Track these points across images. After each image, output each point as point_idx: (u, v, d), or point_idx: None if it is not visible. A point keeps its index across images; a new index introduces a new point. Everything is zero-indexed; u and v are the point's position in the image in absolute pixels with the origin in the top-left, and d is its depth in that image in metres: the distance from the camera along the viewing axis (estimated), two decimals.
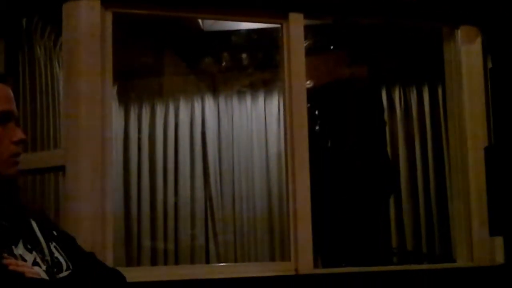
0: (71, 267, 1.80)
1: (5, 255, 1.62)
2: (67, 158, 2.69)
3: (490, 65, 3.28)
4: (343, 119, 3.79)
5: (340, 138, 3.77)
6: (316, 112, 3.81)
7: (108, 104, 2.80)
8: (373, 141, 3.79)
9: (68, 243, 1.93)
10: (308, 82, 3.80)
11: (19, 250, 1.69)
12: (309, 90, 3.78)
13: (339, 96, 3.81)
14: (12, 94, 1.84)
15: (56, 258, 1.80)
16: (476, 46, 3.31)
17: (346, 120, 3.78)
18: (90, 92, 2.73)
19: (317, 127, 3.79)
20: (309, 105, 3.77)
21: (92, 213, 2.66)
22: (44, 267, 1.73)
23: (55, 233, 1.91)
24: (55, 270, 1.76)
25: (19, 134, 1.82)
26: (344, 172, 3.70)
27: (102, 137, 2.74)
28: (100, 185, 2.70)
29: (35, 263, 1.71)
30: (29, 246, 1.73)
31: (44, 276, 1.69)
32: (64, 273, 1.77)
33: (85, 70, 2.74)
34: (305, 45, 3.83)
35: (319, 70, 3.86)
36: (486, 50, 3.28)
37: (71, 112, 2.73)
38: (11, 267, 1.60)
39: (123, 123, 5.29)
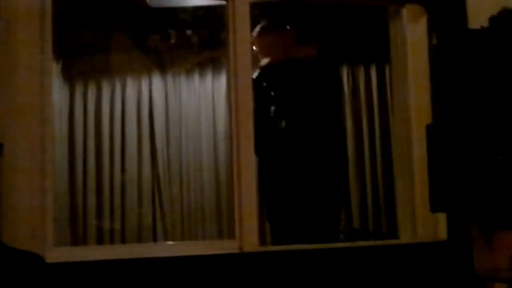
0: None
1: None
2: (4, 135, 2.62)
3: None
4: (295, 99, 3.79)
5: (294, 119, 3.76)
6: (272, 93, 3.80)
7: (47, 80, 2.73)
8: (327, 124, 3.80)
9: None
10: (264, 60, 3.81)
11: None
12: (264, 68, 3.80)
13: (291, 75, 3.81)
14: None
15: None
16: (421, 25, 3.32)
17: (299, 100, 3.78)
18: (28, 67, 2.66)
19: (272, 107, 3.78)
20: (265, 84, 3.78)
21: (30, 191, 2.60)
22: None
23: None
24: None
25: None
26: (298, 152, 3.71)
27: (41, 114, 2.67)
28: (40, 162, 2.64)
29: None
30: None
31: None
32: None
33: (23, 47, 2.67)
34: (262, 25, 3.85)
35: (273, 48, 3.85)
36: (431, 29, 3.30)
37: (9, 88, 2.66)
38: None
39: (68, 100, 5.20)
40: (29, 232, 2.56)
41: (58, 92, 4.84)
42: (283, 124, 3.76)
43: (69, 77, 5.23)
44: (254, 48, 3.82)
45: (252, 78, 3.25)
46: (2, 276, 1.74)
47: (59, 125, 4.93)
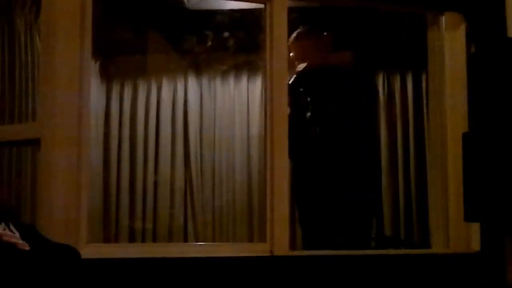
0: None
1: None
2: (42, 132, 2.67)
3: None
4: (331, 106, 3.79)
5: (330, 125, 3.76)
6: (308, 99, 3.81)
7: (86, 79, 2.77)
8: (361, 131, 3.80)
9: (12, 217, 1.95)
10: (300, 66, 3.81)
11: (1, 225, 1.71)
12: (300, 73, 3.80)
13: (327, 82, 3.80)
14: None
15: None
16: (460, 33, 3.30)
17: (334, 106, 3.78)
18: (67, 67, 2.70)
19: (308, 113, 3.78)
20: (301, 89, 3.79)
21: (66, 188, 2.64)
22: None
23: None
24: None
25: None
26: (331, 158, 3.71)
27: (79, 111, 2.71)
28: (76, 160, 2.68)
29: None
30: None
31: None
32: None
33: (63, 44, 2.71)
34: (298, 30, 3.85)
35: (309, 54, 3.86)
36: (470, 37, 3.28)
37: (48, 85, 2.70)
38: (4, 238, 1.64)
39: (104, 100, 5.25)
40: (64, 228, 2.59)
41: (94, 92, 4.89)
42: (318, 130, 3.76)
43: (106, 76, 5.27)
44: (291, 54, 3.82)
45: (288, 83, 3.26)
46: (42, 266, 1.77)
47: (95, 124, 4.98)
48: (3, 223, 1.84)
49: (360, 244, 3.65)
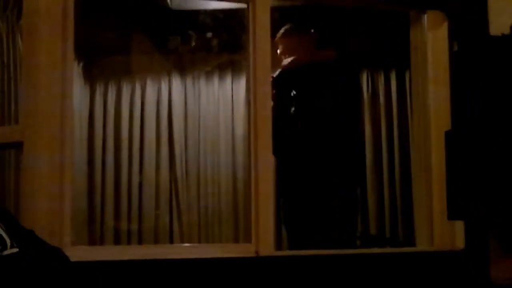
0: (15, 244, 1.78)
1: None
2: (24, 134, 2.64)
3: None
4: (314, 101, 3.80)
5: (313, 121, 3.77)
6: (292, 94, 3.81)
7: (69, 80, 2.74)
8: (344, 128, 3.80)
9: (8, 220, 1.91)
10: (286, 60, 3.82)
11: None
12: (285, 68, 3.81)
13: (311, 78, 3.81)
14: None
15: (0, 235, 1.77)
16: (443, 31, 3.31)
17: (317, 102, 3.79)
18: (49, 68, 2.67)
19: (292, 109, 3.79)
20: (286, 85, 3.79)
21: (49, 190, 2.62)
22: None
23: None
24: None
25: None
26: (314, 155, 3.71)
27: (62, 114, 2.68)
28: (59, 162, 2.66)
29: None
30: None
31: None
32: (10, 250, 1.75)
33: (45, 45, 2.68)
34: (286, 27, 3.87)
35: (295, 50, 3.87)
36: (452, 36, 3.29)
37: (30, 88, 2.68)
38: None
39: (88, 101, 5.23)
40: (48, 230, 2.57)
41: (78, 93, 4.87)
42: (301, 125, 3.77)
43: (89, 78, 5.26)
44: (278, 50, 3.84)
45: (273, 77, 3.24)
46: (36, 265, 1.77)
47: (78, 125, 4.96)
48: None
49: (346, 243, 3.65)
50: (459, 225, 3.17)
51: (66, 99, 2.72)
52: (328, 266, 3.00)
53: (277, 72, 3.78)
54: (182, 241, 5.14)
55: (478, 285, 3.05)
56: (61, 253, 1.98)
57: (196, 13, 4.74)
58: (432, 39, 3.33)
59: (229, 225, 5.23)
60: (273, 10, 3.13)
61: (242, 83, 5.32)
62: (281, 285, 2.89)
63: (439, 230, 3.23)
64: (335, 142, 3.72)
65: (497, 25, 3.08)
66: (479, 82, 2.59)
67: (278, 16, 3.78)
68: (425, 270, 3.09)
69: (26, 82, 2.72)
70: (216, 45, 5.22)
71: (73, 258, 2.30)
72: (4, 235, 1.78)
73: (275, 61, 3.31)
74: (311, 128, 3.76)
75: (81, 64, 5.09)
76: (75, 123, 3.02)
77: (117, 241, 5.10)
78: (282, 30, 3.87)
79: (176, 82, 5.37)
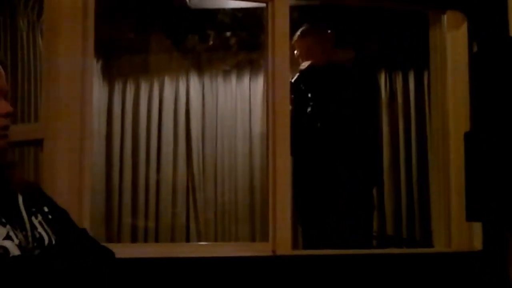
0: (54, 242, 1.78)
1: None
2: (45, 132, 2.67)
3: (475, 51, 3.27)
4: (332, 102, 3.79)
5: (331, 121, 3.77)
6: (309, 95, 3.81)
7: (88, 79, 2.77)
8: (362, 128, 3.80)
9: (60, 219, 1.92)
10: (303, 64, 3.82)
11: None
12: (303, 71, 3.81)
13: (329, 78, 3.81)
14: (2, 70, 1.85)
15: (39, 233, 1.78)
16: (462, 32, 3.30)
17: (336, 102, 3.78)
18: (70, 67, 2.70)
19: (309, 109, 3.79)
20: (303, 87, 3.79)
21: (69, 188, 2.64)
22: (17, 242, 1.70)
23: (46, 208, 1.89)
24: (34, 245, 1.73)
25: (6, 107, 1.83)
26: (331, 155, 3.71)
27: (81, 112, 2.71)
28: (78, 160, 2.68)
29: (7, 237, 1.69)
30: (3, 220, 1.71)
31: (14, 250, 1.66)
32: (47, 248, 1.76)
33: (66, 43, 2.70)
34: (302, 28, 3.86)
35: (312, 51, 3.87)
36: (472, 36, 3.27)
37: (51, 86, 2.70)
38: None
39: (107, 99, 5.26)
40: None
41: (97, 91, 4.89)
42: (318, 125, 3.76)
43: (108, 76, 5.28)
44: (295, 52, 3.83)
45: (291, 82, 3.24)
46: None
47: (98, 123, 4.98)
48: (39, 215, 1.83)
49: (362, 243, 3.65)
50: (477, 226, 3.16)
51: (86, 97, 2.74)
52: (345, 266, 3.00)
53: (295, 76, 3.78)
54: (199, 240, 5.14)
55: (496, 286, 3.03)
56: (110, 254, 1.99)
57: (215, 12, 4.75)
58: (451, 39, 3.32)
59: (245, 223, 5.23)
60: (292, 9, 3.13)
61: (260, 82, 5.32)
62: (297, 285, 2.90)
63: (456, 230, 3.22)
64: (352, 142, 3.71)
65: None
66: (499, 83, 2.57)
67: (297, 16, 3.78)
68: (442, 271, 3.08)
69: (46, 80, 2.74)
70: (234, 44, 5.22)
71: None
72: (44, 234, 1.79)
73: (293, 61, 3.30)
74: (328, 128, 3.75)
75: (100, 62, 5.11)
76: (94, 120, 3.03)
77: (134, 239, 5.11)
78: (298, 32, 3.86)
79: (194, 80, 5.38)
